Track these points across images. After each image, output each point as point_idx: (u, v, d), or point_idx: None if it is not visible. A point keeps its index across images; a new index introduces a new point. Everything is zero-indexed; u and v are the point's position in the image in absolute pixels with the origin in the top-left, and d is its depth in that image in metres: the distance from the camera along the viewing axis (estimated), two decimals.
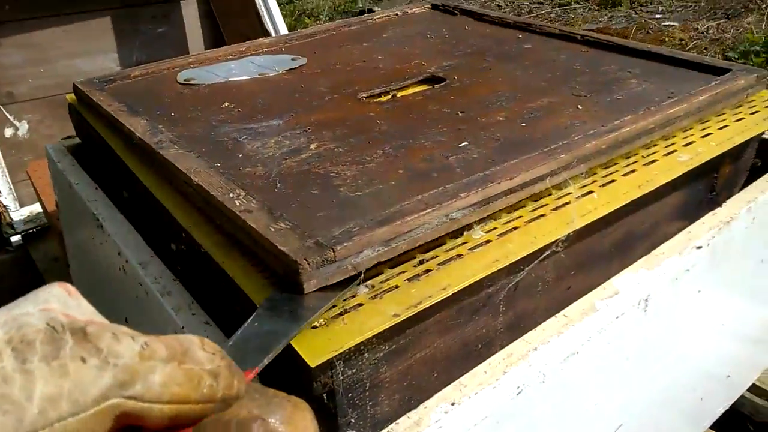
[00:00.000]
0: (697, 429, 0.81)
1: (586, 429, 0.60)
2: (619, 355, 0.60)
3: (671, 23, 3.35)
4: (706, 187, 0.79)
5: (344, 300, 0.45)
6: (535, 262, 0.53)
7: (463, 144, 0.63)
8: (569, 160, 0.58)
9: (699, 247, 0.64)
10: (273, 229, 0.46)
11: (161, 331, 0.59)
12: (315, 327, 0.43)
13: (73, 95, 0.89)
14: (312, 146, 0.63)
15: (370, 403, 0.48)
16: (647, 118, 0.66)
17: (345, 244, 0.45)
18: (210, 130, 0.69)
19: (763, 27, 3.04)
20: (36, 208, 1.83)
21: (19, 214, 1.87)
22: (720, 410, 0.84)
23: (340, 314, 0.44)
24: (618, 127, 0.64)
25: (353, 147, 0.63)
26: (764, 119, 0.75)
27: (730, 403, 0.86)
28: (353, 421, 0.47)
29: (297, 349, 0.41)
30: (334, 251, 0.44)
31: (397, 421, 0.46)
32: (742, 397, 0.90)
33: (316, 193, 0.54)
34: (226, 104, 0.77)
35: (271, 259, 0.45)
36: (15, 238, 1.84)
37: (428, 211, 0.49)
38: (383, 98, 0.79)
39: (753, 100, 0.80)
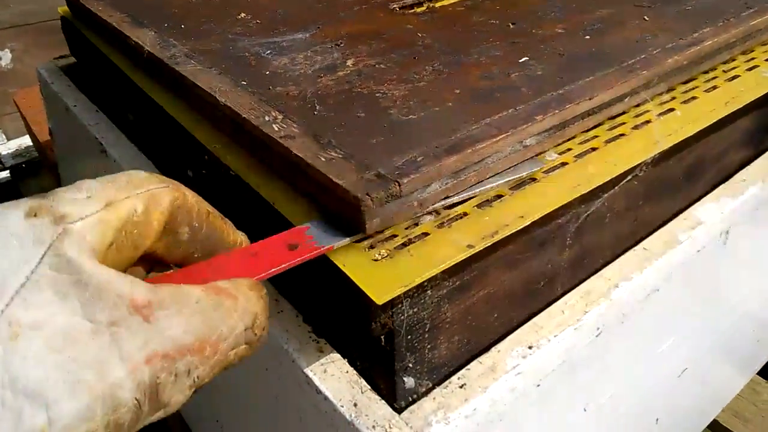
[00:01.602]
0: (748, 372, 0.77)
1: (654, 373, 0.56)
2: (695, 293, 0.55)
3: None
4: None
5: (406, 229, 0.39)
6: (616, 188, 0.47)
7: (523, 59, 0.55)
8: (650, 77, 0.51)
9: None
10: (323, 159, 0.39)
11: None
12: (376, 260, 0.36)
13: (66, 8, 0.80)
14: (348, 62, 0.55)
15: (429, 345, 0.42)
16: (729, 30, 0.58)
17: (412, 176, 0.38)
18: (228, 43, 0.60)
19: None
20: (25, 141, 1.73)
21: (6, 147, 1.77)
22: None
23: (404, 245, 0.37)
24: (698, 40, 0.56)
25: (396, 63, 0.55)
26: None
27: None
28: (410, 366, 0.42)
29: (359, 283, 0.34)
30: (400, 185, 0.37)
31: (468, 367, 0.41)
32: None
33: (362, 116, 0.46)
34: (242, 15, 0.67)
35: (324, 194, 0.38)
36: (3, 174, 1.76)
37: (501, 137, 0.42)
38: (418, 9, 0.70)
39: None
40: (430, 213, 0.40)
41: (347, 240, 0.36)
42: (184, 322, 0.25)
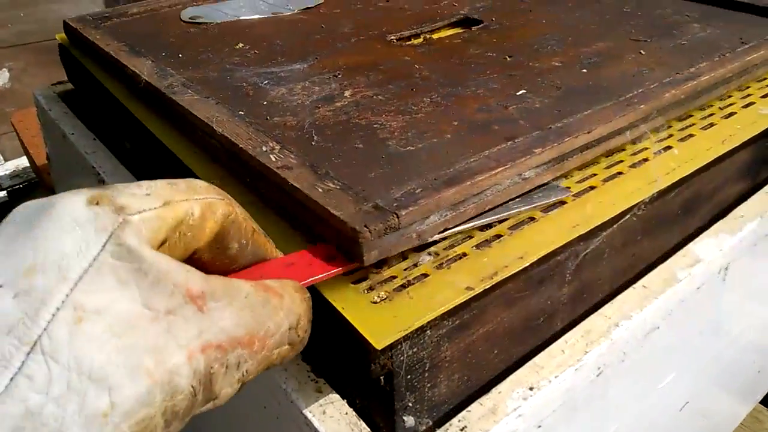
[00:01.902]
0: (750, 402, 0.76)
1: (654, 409, 0.55)
2: (694, 329, 0.54)
3: None
4: None
5: (405, 270, 0.38)
6: (614, 226, 0.46)
7: (520, 92, 0.55)
8: (648, 111, 0.51)
9: None
10: (321, 190, 0.39)
11: None
12: (375, 302, 0.36)
13: (63, 35, 0.80)
14: (346, 93, 0.55)
15: (429, 384, 0.41)
16: (725, 65, 0.58)
17: (410, 208, 0.37)
18: (225, 73, 0.60)
19: None
20: (23, 162, 1.72)
21: (3, 168, 1.77)
22: None
23: (403, 286, 0.37)
24: (695, 74, 0.56)
25: (394, 94, 0.55)
26: None
27: None
28: (410, 405, 0.41)
29: (358, 327, 0.34)
30: (398, 217, 0.36)
31: (469, 408, 0.40)
32: None
33: (360, 147, 0.46)
34: (240, 45, 0.68)
35: (321, 225, 0.38)
36: (0, 195, 1.75)
37: (500, 169, 0.42)
38: (415, 41, 0.70)
39: None
40: (429, 254, 0.39)
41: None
42: (235, 315, 0.26)
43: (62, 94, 0.85)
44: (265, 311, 0.27)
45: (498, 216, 0.42)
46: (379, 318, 0.35)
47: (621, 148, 0.51)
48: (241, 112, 0.51)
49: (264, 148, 0.44)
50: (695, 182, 0.60)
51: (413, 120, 0.50)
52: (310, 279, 0.33)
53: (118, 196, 0.26)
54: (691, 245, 0.52)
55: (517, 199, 0.44)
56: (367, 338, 0.33)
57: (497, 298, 0.43)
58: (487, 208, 0.42)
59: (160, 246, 0.26)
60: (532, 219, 0.43)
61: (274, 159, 0.42)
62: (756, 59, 0.61)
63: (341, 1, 0.83)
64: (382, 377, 0.37)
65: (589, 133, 0.46)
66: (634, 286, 0.49)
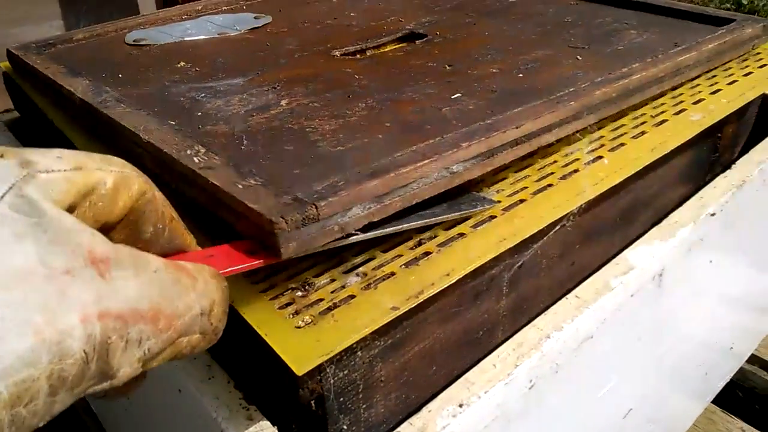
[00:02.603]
0: (700, 405, 0.75)
1: (596, 418, 0.54)
2: (631, 336, 0.54)
3: None
4: (709, 148, 0.74)
5: (332, 292, 0.38)
6: (545, 238, 0.46)
7: (456, 95, 0.55)
8: (578, 108, 0.51)
9: (713, 214, 0.58)
10: (241, 186, 0.38)
11: None
12: (299, 327, 0.35)
13: (8, 63, 0.79)
14: (283, 102, 0.55)
15: (364, 405, 0.40)
16: (657, 65, 0.60)
17: (329, 199, 0.37)
18: (163, 89, 0.60)
19: None
20: None
21: None
22: (722, 384, 0.80)
23: (329, 309, 0.37)
24: (627, 74, 0.57)
25: (331, 102, 0.55)
26: None
27: (731, 375, 0.82)
28: (345, 427, 0.40)
29: (280, 353, 0.33)
30: (316, 208, 0.36)
31: (399, 429, 0.39)
32: None
33: (290, 149, 0.45)
34: (182, 64, 0.67)
35: (241, 221, 0.37)
36: None
37: (426, 162, 0.41)
38: (359, 56, 0.71)
39: (759, 53, 0.74)
40: (357, 275, 0.39)
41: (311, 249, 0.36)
42: (140, 287, 0.24)
43: (9, 123, 0.84)
44: (175, 290, 0.26)
45: (424, 221, 0.42)
46: (302, 343, 0.34)
47: (552, 161, 0.51)
48: (172, 122, 0.50)
49: (189, 152, 0.43)
50: (632, 189, 0.60)
51: (346, 123, 0.50)
52: (229, 269, 0.32)
53: (26, 153, 0.25)
54: (624, 253, 0.52)
55: (444, 206, 0.43)
56: (289, 364, 0.32)
57: (431, 314, 0.42)
58: (414, 202, 0.41)
59: (68, 210, 0.25)
60: (461, 235, 0.43)
61: (197, 161, 0.42)
62: (688, 60, 0.62)
63: (289, 19, 0.84)
64: (312, 402, 0.36)
65: (517, 128, 0.47)
66: (567, 296, 0.48)
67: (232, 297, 0.37)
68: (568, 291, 0.51)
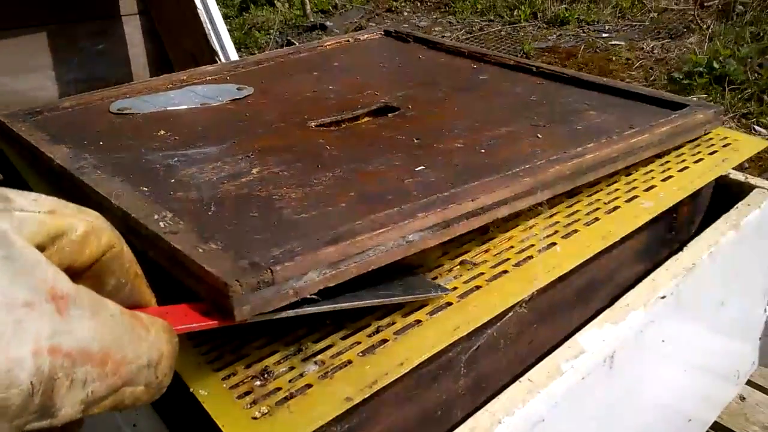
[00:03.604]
0: None
1: None
2: (585, 416, 0.55)
3: (618, 42, 3.45)
4: (665, 228, 0.76)
5: (290, 381, 0.40)
6: (498, 324, 0.49)
7: (419, 168, 0.58)
8: (532, 183, 0.54)
9: (663, 297, 0.60)
10: (201, 250, 0.40)
11: None
12: (256, 417, 0.37)
13: None
14: (254, 170, 0.58)
15: None
16: (610, 145, 0.63)
17: (285, 264, 0.38)
18: (141, 156, 0.62)
19: (705, 48, 3.14)
20: None
21: None
22: None
23: (286, 399, 0.38)
24: (581, 153, 0.60)
25: (299, 171, 0.57)
26: (723, 160, 0.73)
27: None
28: None
29: None
30: (272, 272, 0.37)
31: None
32: None
33: (255, 216, 0.48)
34: (162, 132, 0.70)
35: (199, 284, 0.39)
36: None
37: (382, 231, 0.44)
38: (334, 128, 0.74)
39: (710, 139, 0.78)
40: (315, 363, 0.41)
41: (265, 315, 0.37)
42: (94, 329, 0.25)
43: None
44: (127, 336, 0.27)
45: (379, 300, 0.44)
46: None
47: (509, 245, 0.54)
48: (144, 188, 0.53)
49: (156, 217, 0.45)
50: (588, 271, 0.62)
51: (312, 192, 0.52)
52: (184, 326, 0.34)
53: (6, 191, 0.26)
54: (576, 336, 0.54)
55: (399, 289, 0.45)
56: None
57: (388, 399, 0.44)
58: (370, 269, 0.43)
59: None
60: (418, 322, 0.45)
61: (162, 225, 0.44)
62: (640, 142, 0.66)
63: (270, 91, 0.88)
64: None
65: (473, 201, 0.49)
66: (520, 379, 0.50)
67: (192, 383, 0.38)
68: (526, 369, 0.53)
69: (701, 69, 2.88)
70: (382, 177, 0.56)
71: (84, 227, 0.28)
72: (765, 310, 0.87)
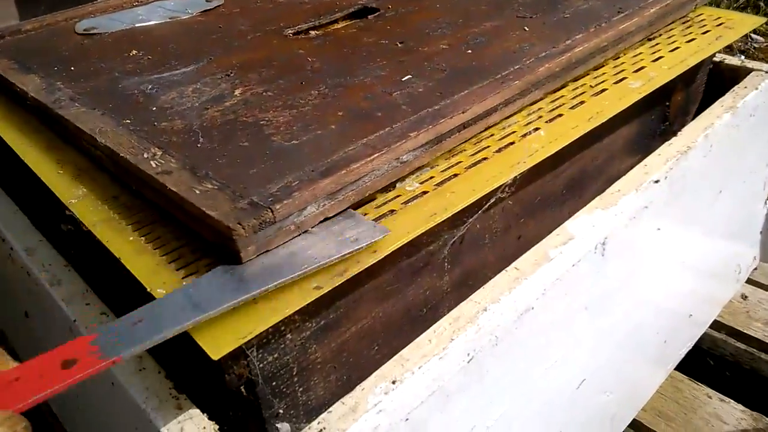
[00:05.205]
0: (662, 372, 0.78)
1: (546, 389, 0.56)
2: (577, 306, 0.55)
3: None
4: (659, 117, 0.76)
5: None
6: (479, 212, 0.48)
7: (406, 78, 0.56)
8: (522, 86, 0.53)
9: (656, 181, 0.59)
10: (198, 191, 0.40)
11: (55, 325, 0.51)
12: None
13: None
14: (237, 92, 0.56)
15: (301, 389, 0.42)
16: (599, 35, 0.61)
17: (285, 201, 0.38)
18: (116, 82, 0.60)
19: None
20: None
21: None
22: (684, 351, 0.81)
23: None
24: (570, 47, 0.59)
25: (284, 89, 0.56)
26: (716, 38, 0.70)
27: (694, 342, 0.84)
28: (282, 411, 0.41)
29: (196, 338, 0.34)
30: (272, 211, 0.38)
31: (330, 409, 0.40)
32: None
33: (245, 146, 0.47)
34: (134, 52, 0.67)
35: (200, 226, 0.39)
36: None
37: (376, 155, 0.43)
38: (312, 33, 0.71)
39: (703, 20, 0.75)
40: None
41: (142, 347, 0.33)
42: None
43: None
44: None
45: (317, 264, 0.38)
46: (221, 327, 0.35)
47: (490, 133, 0.53)
48: (127, 121, 0.51)
49: (146, 155, 0.44)
50: (577, 161, 0.62)
51: (300, 113, 0.51)
52: (34, 397, 0.29)
53: None
54: (566, 223, 0.53)
55: (331, 247, 0.39)
56: (204, 349, 0.33)
57: (366, 293, 0.44)
58: (368, 194, 0.43)
59: None
60: (392, 212, 0.44)
61: (154, 165, 0.43)
62: (630, 26, 0.64)
63: (240, 0, 0.84)
64: (242, 387, 0.38)
65: (463, 113, 0.48)
66: (506, 269, 0.49)
67: (156, 283, 0.37)
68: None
69: None
70: (368, 91, 0.54)
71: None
72: (765, 203, 0.87)
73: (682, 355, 0.80)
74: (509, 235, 0.53)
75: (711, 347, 0.90)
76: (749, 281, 0.93)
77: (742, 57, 1.91)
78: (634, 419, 0.77)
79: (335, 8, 0.77)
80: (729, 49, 1.99)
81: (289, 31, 0.71)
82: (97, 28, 0.75)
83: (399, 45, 0.64)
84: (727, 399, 0.80)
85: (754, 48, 2.03)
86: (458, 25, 0.69)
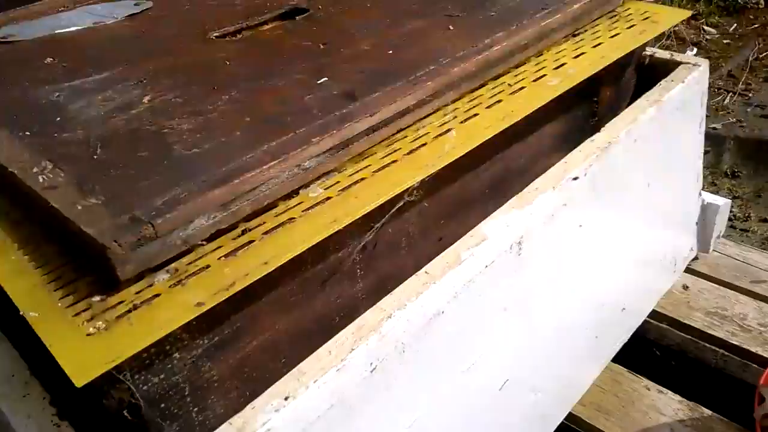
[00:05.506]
0: (595, 367, 0.78)
1: (465, 392, 0.54)
2: (495, 307, 0.53)
3: None
4: (586, 114, 0.75)
5: (136, 293, 0.37)
6: (387, 216, 0.46)
7: (322, 80, 0.55)
8: (437, 87, 0.52)
9: (575, 178, 0.58)
10: (80, 207, 0.38)
11: None
12: (90, 333, 0.34)
13: None
14: (145, 99, 0.54)
15: (196, 409, 0.40)
16: (520, 33, 0.61)
17: (168, 215, 0.37)
18: (25, 92, 0.58)
19: None
20: None
21: None
22: (619, 345, 0.80)
23: (129, 311, 0.36)
24: (488, 45, 0.58)
25: (194, 95, 0.54)
26: (641, 32, 0.70)
27: (629, 335, 0.83)
28: None
29: (63, 365, 0.33)
30: (153, 226, 0.36)
31: (218, 430, 0.37)
32: (646, 322, 0.87)
33: (144, 156, 0.45)
34: (49, 60, 0.65)
35: (81, 244, 0.37)
36: None
37: (274, 163, 0.42)
38: (238, 35, 0.70)
39: (630, 15, 0.75)
40: (168, 271, 0.38)
41: None
42: None
43: None
44: None
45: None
46: (90, 351, 0.33)
47: (404, 135, 0.51)
48: (27, 134, 0.49)
49: (35, 170, 0.43)
50: (499, 160, 0.60)
51: (206, 120, 0.50)
52: None
53: None
54: (480, 224, 0.52)
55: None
56: (69, 375, 0.32)
57: (266, 306, 0.42)
58: (266, 203, 0.42)
59: None
60: (291, 220, 0.42)
61: (41, 180, 0.41)
62: (553, 23, 0.63)
63: (172, 2, 0.81)
64: (125, 411, 0.36)
65: (371, 116, 0.47)
66: (417, 273, 0.47)
67: (30, 305, 0.36)
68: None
69: None
70: (280, 96, 0.53)
71: None
72: (699, 194, 0.87)
73: (617, 349, 0.80)
74: (429, 238, 0.52)
75: (657, 338, 0.90)
76: (691, 271, 0.93)
77: (695, 49, 1.93)
78: (573, 415, 0.76)
79: (265, 9, 0.75)
80: (682, 42, 2.00)
81: (214, 34, 0.69)
82: (16, 35, 0.73)
83: (322, 46, 0.63)
84: (665, 390, 0.79)
85: (706, 40, 2.05)
86: (385, 24, 0.67)
